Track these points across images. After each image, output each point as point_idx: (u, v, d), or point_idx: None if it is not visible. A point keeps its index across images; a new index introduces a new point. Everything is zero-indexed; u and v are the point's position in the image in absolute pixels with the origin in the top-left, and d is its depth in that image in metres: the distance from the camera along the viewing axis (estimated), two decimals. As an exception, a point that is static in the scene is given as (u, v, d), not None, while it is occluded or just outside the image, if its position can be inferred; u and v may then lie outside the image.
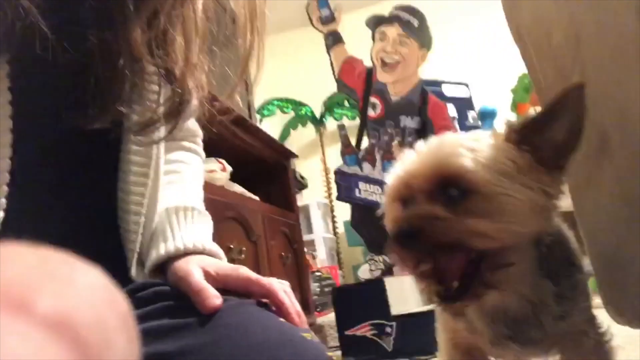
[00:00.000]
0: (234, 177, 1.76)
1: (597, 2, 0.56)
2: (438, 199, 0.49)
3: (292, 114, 3.56)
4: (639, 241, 0.55)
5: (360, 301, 1.88)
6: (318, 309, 2.68)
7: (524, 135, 0.50)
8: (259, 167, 2.07)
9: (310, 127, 3.59)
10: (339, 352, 1.94)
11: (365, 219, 2.47)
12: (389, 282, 1.88)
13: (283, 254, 1.90)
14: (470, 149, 0.49)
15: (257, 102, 3.35)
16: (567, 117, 0.48)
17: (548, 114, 0.50)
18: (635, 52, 0.51)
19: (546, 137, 0.49)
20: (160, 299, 0.52)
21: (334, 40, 3.17)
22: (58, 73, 0.53)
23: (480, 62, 3.13)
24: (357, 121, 2.78)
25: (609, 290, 0.64)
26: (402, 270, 0.52)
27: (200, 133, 0.78)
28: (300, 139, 3.68)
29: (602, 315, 0.63)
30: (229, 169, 1.64)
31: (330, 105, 3.51)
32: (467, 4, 3.15)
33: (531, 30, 0.70)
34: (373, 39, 3.06)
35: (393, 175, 0.54)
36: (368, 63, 2.53)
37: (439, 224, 0.48)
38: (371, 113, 2.42)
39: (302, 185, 3.06)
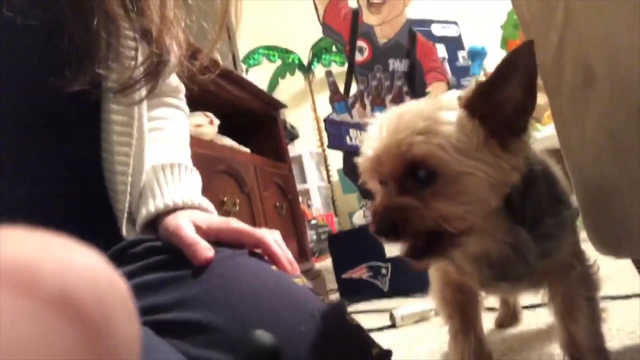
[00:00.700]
0: (222, 131, 1.74)
1: None
2: (407, 182, 0.51)
3: (279, 62, 3.47)
4: (623, 173, 0.56)
5: (355, 246, 1.92)
6: (315, 255, 2.74)
7: (475, 105, 0.50)
8: (247, 119, 2.05)
9: (299, 75, 3.52)
10: (337, 294, 2.01)
11: (357, 166, 2.48)
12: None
13: (277, 204, 1.91)
14: (429, 129, 0.49)
15: (242, 51, 3.26)
16: (520, 76, 0.48)
17: (498, 76, 0.49)
18: (621, -20, 0.50)
19: (499, 100, 0.49)
20: (153, 253, 0.53)
21: (316, -20, 3.03)
22: (30, 35, 0.51)
23: (469, -2, 3.03)
24: (346, 67, 2.73)
25: (593, 223, 0.65)
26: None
27: (182, 88, 0.76)
28: (289, 88, 3.62)
29: (590, 249, 0.65)
30: (217, 122, 1.62)
31: (318, 52, 3.42)
32: (455, -64, 3.01)
33: (517, -38, 0.67)
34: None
35: (363, 156, 0.55)
36: (354, 4, 2.44)
37: (412, 214, 0.49)
38: (359, 57, 2.36)
39: (293, 135, 3.05)
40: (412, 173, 0.50)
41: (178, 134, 0.71)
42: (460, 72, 2.76)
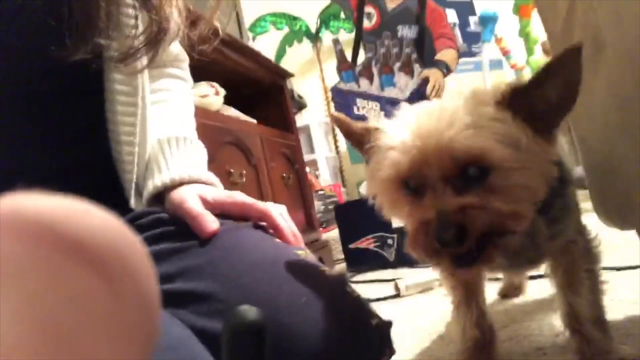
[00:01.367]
0: (228, 101, 1.73)
1: None
2: (456, 182, 0.46)
3: (286, 30, 3.41)
4: (630, 144, 0.55)
5: (361, 216, 1.93)
6: (323, 226, 2.77)
7: (514, 100, 0.47)
8: (254, 89, 2.03)
9: (306, 43, 3.47)
10: (344, 264, 2.04)
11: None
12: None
13: (284, 175, 1.92)
14: (478, 125, 0.45)
15: (249, 18, 3.20)
16: (562, 77, 0.45)
17: (542, 75, 0.46)
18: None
19: (539, 97, 0.46)
20: (160, 225, 0.54)
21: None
22: (30, 5, 0.51)
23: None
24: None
25: (598, 194, 0.64)
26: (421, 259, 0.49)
27: (185, 57, 0.75)
28: (297, 57, 3.56)
29: (592, 220, 0.65)
30: (223, 92, 1.60)
31: (326, 18, 3.35)
32: None
33: None
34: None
35: (390, 161, 0.48)
36: (362, -31, 2.37)
37: (475, 213, 0.44)
38: (367, 24, 2.30)
39: (301, 105, 3.02)
40: (463, 171, 0.46)
41: (182, 106, 0.70)
42: (472, 38, 2.70)
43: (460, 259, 0.46)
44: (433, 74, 2.30)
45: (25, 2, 0.50)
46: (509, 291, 1.02)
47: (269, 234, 0.56)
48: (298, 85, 3.47)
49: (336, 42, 2.29)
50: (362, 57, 2.30)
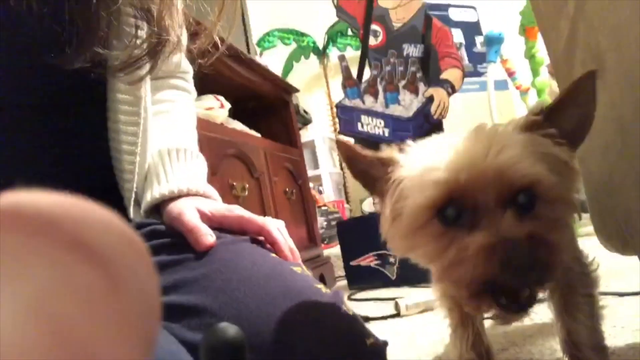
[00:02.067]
0: (233, 114, 1.74)
1: None
2: (505, 210, 0.40)
3: (294, 45, 3.45)
4: (629, 168, 0.55)
5: (364, 233, 1.92)
6: (325, 242, 2.76)
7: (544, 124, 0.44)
8: (259, 103, 2.04)
9: (313, 59, 3.50)
10: (345, 281, 2.02)
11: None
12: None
13: (287, 189, 1.92)
14: (529, 152, 0.41)
15: (256, 33, 3.24)
16: (577, 107, 0.44)
17: (560, 102, 0.45)
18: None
19: (558, 125, 0.45)
20: (157, 236, 0.54)
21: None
22: (31, 13, 0.52)
23: (488, -18, 2.96)
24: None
25: (599, 217, 0.64)
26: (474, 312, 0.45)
27: (189, 69, 0.76)
28: (304, 72, 3.59)
29: (594, 244, 0.64)
30: (228, 105, 1.62)
31: (333, 35, 3.39)
32: None
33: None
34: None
35: (431, 181, 0.42)
36: (369, -13, 2.40)
37: (538, 244, 0.39)
38: (373, 42, 2.32)
39: (306, 120, 3.03)
40: (513, 198, 0.41)
41: (184, 118, 0.71)
42: (478, 58, 2.71)
43: (517, 301, 0.41)
44: (438, 92, 2.30)
45: (27, 10, 0.51)
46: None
47: (266, 249, 0.55)
48: (304, 100, 3.49)
49: (342, 58, 2.30)
50: (367, 74, 2.32)
